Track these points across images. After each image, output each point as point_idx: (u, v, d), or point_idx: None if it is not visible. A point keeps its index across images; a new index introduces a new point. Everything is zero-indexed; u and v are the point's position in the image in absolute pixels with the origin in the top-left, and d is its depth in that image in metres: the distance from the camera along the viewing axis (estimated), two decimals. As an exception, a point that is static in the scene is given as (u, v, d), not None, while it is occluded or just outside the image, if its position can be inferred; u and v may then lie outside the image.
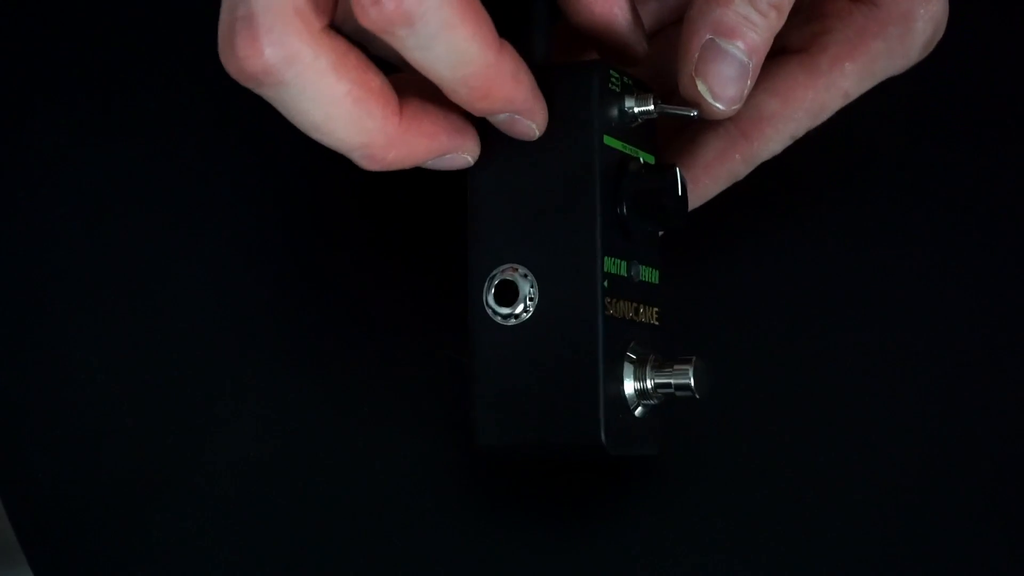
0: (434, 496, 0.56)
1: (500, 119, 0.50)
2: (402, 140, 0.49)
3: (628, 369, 0.51)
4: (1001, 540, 0.55)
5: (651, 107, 0.52)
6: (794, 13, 0.54)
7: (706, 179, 0.55)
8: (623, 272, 0.51)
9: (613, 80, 0.51)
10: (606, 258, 0.50)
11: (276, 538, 0.56)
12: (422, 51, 0.46)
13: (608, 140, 0.51)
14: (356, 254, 0.59)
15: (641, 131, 0.52)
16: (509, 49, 0.48)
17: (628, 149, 0.52)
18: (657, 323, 0.53)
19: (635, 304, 0.52)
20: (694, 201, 0.55)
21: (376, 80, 0.48)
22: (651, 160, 0.53)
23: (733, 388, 0.56)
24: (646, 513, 0.56)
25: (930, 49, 0.55)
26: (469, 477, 0.56)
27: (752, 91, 0.53)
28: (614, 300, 0.50)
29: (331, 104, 0.48)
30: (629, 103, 0.51)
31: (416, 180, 0.54)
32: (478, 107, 0.49)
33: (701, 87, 0.51)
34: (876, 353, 0.57)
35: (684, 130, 0.56)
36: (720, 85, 0.51)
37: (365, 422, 0.57)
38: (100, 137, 0.61)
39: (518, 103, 0.49)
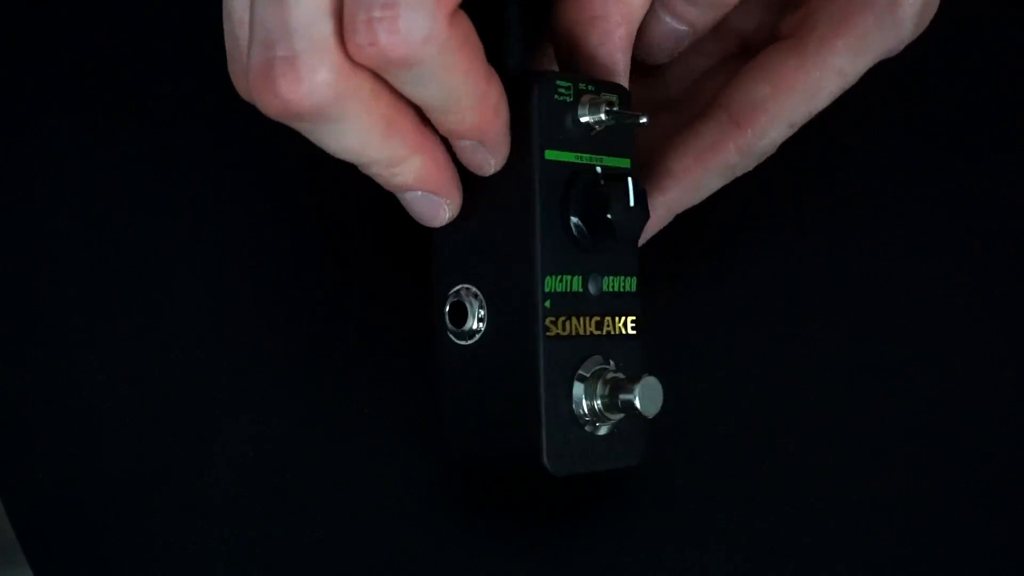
0: (435, 498, 0.56)
1: (464, 144, 0.49)
2: (430, 164, 0.49)
3: (579, 388, 0.50)
4: (1001, 540, 0.55)
5: (602, 116, 0.50)
6: (782, 2, 0.54)
7: (700, 169, 0.54)
8: (575, 288, 0.50)
9: (562, 90, 0.50)
10: (551, 277, 0.50)
11: (275, 539, 0.56)
12: (414, 87, 0.46)
13: (552, 155, 0.50)
14: (355, 256, 0.59)
15: (609, 136, 0.51)
16: (496, 81, 0.48)
17: (585, 159, 0.50)
18: (633, 332, 0.52)
19: (596, 318, 0.51)
20: (690, 195, 0.54)
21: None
22: (626, 164, 0.52)
23: (727, 393, 0.56)
24: (640, 517, 0.56)
25: (923, 24, 0.54)
26: (468, 479, 0.56)
27: (743, 78, 0.53)
28: (561, 319, 0.50)
29: (367, 130, 0.47)
30: (581, 112, 0.50)
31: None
32: (452, 132, 0.48)
33: None
34: (872, 355, 0.57)
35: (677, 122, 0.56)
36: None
37: (366, 423, 0.57)
38: (100, 137, 0.61)
39: (489, 136, 0.49)
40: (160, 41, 0.62)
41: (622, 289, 0.52)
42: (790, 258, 0.58)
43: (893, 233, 0.59)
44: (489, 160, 0.49)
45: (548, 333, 0.50)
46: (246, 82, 0.46)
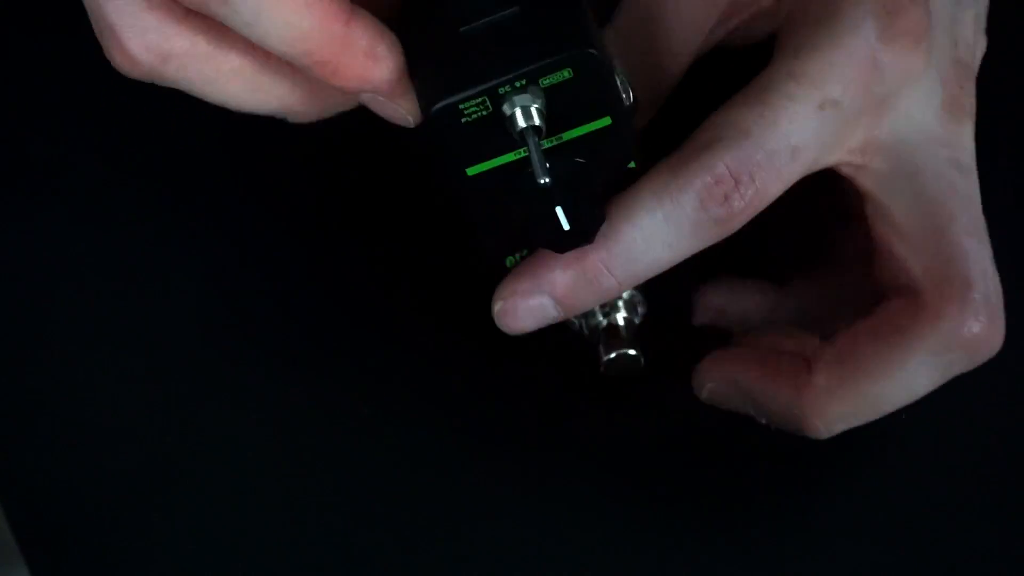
0: (435, 498, 0.56)
1: (365, 99, 0.46)
2: (321, 95, 0.47)
3: None
4: (1001, 541, 0.55)
5: (534, 109, 0.45)
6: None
7: None
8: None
9: (470, 110, 0.45)
10: (510, 257, 0.50)
11: (276, 538, 0.56)
12: (249, 28, 0.44)
13: (478, 168, 0.47)
14: (356, 255, 0.59)
15: (572, 108, 0.46)
16: (363, 20, 0.44)
17: (522, 153, 0.47)
18: None
19: None
20: None
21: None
22: (606, 122, 0.47)
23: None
24: (640, 517, 0.56)
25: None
26: (468, 476, 0.56)
27: None
28: None
29: (227, 82, 0.46)
30: (512, 117, 0.45)
31: (416, 183, 0.54)
32: (332, 83, 0.45)
33: (496, 305, 0.50)
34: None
35: None
36: (511, 316, 0.50)
37: (366, 423, 0.57)
38: (99, 136, 0.61)
39: (376, 82, 0.45)
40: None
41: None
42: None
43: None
44: (399, 111, 0.47)
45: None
46: None
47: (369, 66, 0.45)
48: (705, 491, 0.56)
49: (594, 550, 0.55)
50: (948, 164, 0.50)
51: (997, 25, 0.55)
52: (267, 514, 0.56)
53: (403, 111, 0.47)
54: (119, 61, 0.46)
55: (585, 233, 0.48)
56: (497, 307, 0.50)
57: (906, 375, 0.50)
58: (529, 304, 0.49)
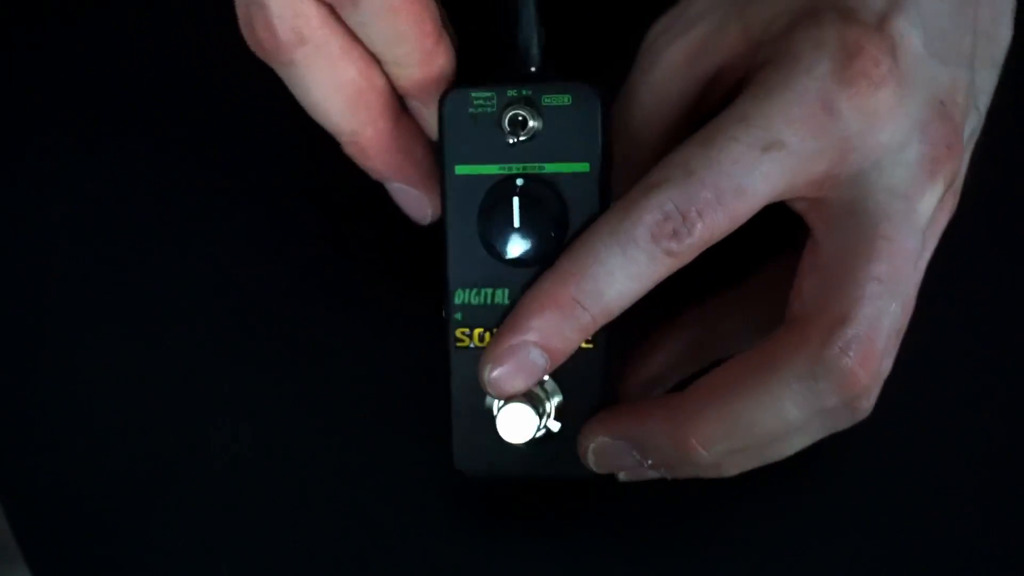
0: (434, 499, 0.56)
1: (414, 104, 0.53)
2: (386, 144, 0.53)
3: (490, 398, 0.52)
4: (1001, 541, 0.55)
5: (532, 123, 0.50)
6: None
7: None
8: (494, 300, 0.51)
9: (479, 102, 0.50)
10: (461, 290, 0.51)
11: (275, 539, 0.56)
12: (363, 27, 0.50)
13: (465, 169, 0.51)
14: (355, 257, 0.59)
15: (558, 141, 0.50)
16: (446, 49, 0.51)
17: (515, 169, 0.51)
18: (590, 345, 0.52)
19: None
20: None
21: (380, 79, 0.52)
22: (584, 168, 0.51)
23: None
24: (640, 522, 0.56)
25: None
26: (469, 479, 0.56)
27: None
28: (477, 330, 0.51)
29: (333, 88, 0.51)
30: (504, 122, 0.50)
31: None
32: (403, 87, 0.52)
33: (485, 370, 0.51)
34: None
35: None
36: (503, 380, 0.51)
37: (365, 425, 0.57)
38: (99, 137, 0.61)
39: (432, 98, 0.52)
40: (161, 42, 0.62)
41: None
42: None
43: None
44: (433, 128, 0.52)
45: (458, 344, 0.52)
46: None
47: (436, 82, 0.52)
48: (700, 492, 0.56)
49: (590, 548, 0.55)
50: (900, 215, 0.50)
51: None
52: (267, 514, 0.56)
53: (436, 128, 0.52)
54: (261, 35, 0.51)
55: (538, 249, 0.50)
56: (486, 373, 0.50)
57: (771, 397, 0.50)
58: (517, 362, 0.50)
